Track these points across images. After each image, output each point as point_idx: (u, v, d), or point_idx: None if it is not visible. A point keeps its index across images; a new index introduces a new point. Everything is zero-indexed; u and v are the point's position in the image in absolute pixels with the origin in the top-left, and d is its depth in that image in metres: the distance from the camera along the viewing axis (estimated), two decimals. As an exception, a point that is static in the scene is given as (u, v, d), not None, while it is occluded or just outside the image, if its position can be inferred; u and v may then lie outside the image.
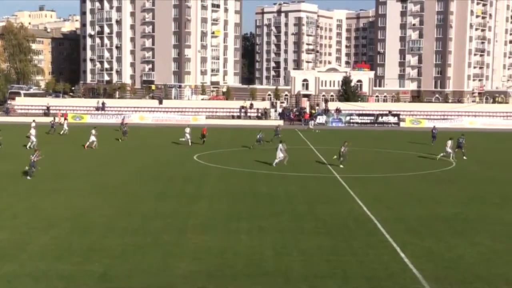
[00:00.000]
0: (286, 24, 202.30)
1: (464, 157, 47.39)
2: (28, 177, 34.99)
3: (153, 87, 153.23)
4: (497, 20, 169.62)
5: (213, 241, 22.21)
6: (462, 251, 21.24)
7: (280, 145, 42.96)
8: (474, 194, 32.60)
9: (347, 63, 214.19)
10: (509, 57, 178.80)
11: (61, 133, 64.62)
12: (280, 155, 42.37)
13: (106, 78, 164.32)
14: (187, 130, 55.55)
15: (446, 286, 17.69)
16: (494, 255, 20.89)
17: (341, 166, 41.35)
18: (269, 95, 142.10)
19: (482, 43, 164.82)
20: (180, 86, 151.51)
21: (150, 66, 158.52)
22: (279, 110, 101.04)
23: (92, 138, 51.99)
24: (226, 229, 24.03)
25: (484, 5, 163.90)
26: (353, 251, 21.18)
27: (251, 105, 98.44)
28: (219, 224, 24.83)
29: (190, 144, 54.41)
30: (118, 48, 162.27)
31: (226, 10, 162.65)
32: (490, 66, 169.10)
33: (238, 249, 21.17)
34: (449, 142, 46.62)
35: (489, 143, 64.56)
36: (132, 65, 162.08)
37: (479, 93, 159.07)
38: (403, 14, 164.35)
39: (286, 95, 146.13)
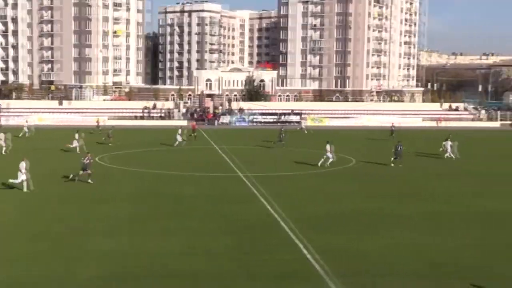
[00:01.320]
0: (189, 24, 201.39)
1: (400, 165, 43.34)
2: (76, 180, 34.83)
3: (53, 87, 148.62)
4: (392, 22, 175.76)
5: (118, 244, 21.80)
6: (364, 246, 21.84)
7: (328, 146, 43.16)
8: (374, 190, 33.62)
9: (251, 63, 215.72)
10: (404, 57, 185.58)
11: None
12: (329, 155, 42.64)
13: (2, 78, 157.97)
14: (179, 131, 56.04)
15: (349, 281, 18.12)
16: (395, 248, 21.60)
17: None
18: (172, 95, 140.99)
19: (379, 43, 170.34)
20: (81, 87, 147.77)
21: (50, 66, 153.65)
22: (183, 110, 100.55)
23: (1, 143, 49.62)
24: (131, 232, 23.65)
25: (380, 7, 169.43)
26: (258, 249, 21.35)
27: (154, 105, 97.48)
28: (123, 227, 24.41)
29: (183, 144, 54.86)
30: (14, 47, 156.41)
31: (128, 9, 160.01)
32: (387, 66, 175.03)
33: (143, 251, 20.88)
34: (328, 146, 42.86)
35: (387, 141, 66.67)
36: (30, 64, 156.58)
37: (377, 92, 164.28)
38: (305, 14, 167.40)
39: (189, 95, 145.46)
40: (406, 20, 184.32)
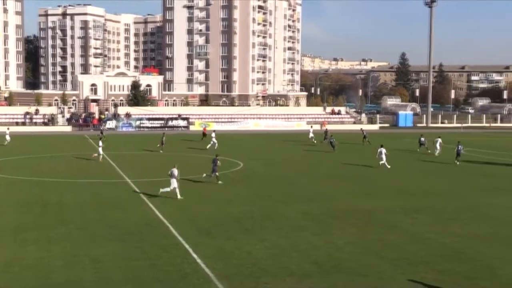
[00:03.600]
0: (72, 28, 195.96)
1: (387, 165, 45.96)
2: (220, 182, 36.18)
3: None
4: (276, 28, 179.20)
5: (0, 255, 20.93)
6: (250, 248, 22.18)
7: (382, 150, 45.50)
8: (261, 193, 34.17)
9: (136, 67, 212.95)
10: (288, 63, 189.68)
11: None
12: (383, 157, 45.13)
13: None
14: (213, 134, 60.53)
15: (236, 283, 18.35)
16: (279, 249, 22.09)
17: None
18: (56, 100, 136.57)
19: (264, 49, 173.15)
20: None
21: None
22: (67, 115, 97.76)
23: None
24: (13, 241, 22.78)
25: (264, 13, 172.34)
26: (146, 255, 21.17)
27: (37, 110, 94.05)
28: (5, 237, 23.46)
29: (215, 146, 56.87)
30: None
31: (5, 10, 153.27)
32: (271, 71, 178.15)
33: (26, 262, 20.16)
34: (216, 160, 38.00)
35: (272, 144, 67.93)
36: None
37: (262, 96, 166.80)
38: (190, 19, 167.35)
39: (74, 100, 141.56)
40: (289, 26, 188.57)
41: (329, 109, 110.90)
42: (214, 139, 59.38)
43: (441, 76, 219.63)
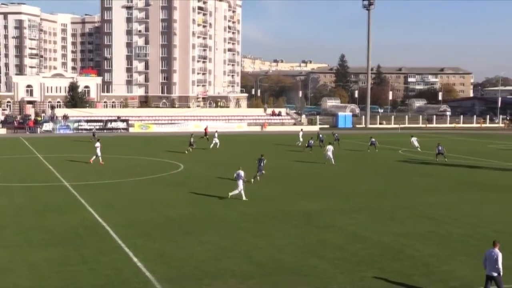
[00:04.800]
0: (6, 27, 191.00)
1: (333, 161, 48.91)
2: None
3: None
4: (216, 29, 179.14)
5: None
6: (191, 250, 22.09)
7: (414, 139, 55.65)
8: (202, 194, 34.06)
9: (74, 68, 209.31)
10: (228, 64, 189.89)
11: None
12: (416, 144, 53.71)
13: None
14: (216, 135, 64.04)
15: (178, 286, 18.23)
16: (220, 251, 22.08)
17: None
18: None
19: (204, 50, 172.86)
20: None
21: None
22: (1, 117, 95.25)
23: None
24: None
25: (204, 14, 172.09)
26: (85, 259, 20.81)
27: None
28: None
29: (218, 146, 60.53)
30: None
31: None
32: (212, 73, 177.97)
33: (-41, 269, 19.53)
34: None
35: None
36: None
37: (203, 98, 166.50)
38: (129, 20, 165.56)
39: (8, 102, 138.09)
40: (229, 27, 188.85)
41: (269, 110, 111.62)
42: (216, 139, 62.83)
43: (379, 77, 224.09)
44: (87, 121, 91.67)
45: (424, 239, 24.28)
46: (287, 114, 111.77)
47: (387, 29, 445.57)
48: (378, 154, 58.41)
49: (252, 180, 37.96)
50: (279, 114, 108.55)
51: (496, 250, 16.81)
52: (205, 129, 73.81)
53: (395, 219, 27.99)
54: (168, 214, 28.56)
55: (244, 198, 32.01)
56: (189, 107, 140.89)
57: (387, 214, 29.17)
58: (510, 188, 38.59)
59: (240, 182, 32.09)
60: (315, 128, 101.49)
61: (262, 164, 39.02)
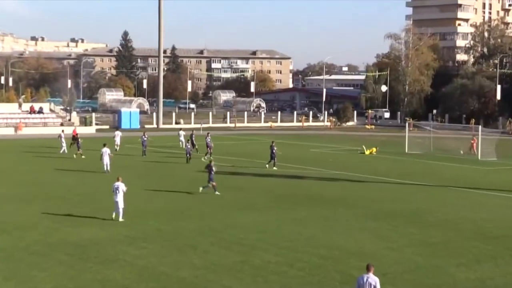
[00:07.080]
0: None
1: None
2: None
3: None
4: None
5: None
6: None
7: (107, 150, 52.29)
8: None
9: None
10: None
11: None
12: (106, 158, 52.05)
13: None
14: (182, 133, 73.70)
15: None
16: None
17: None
18: None
19: None
20: None
21: None
22: None
23: None
24: None
25: None
26: None
27: None
28: None
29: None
30: None
31: None
32: None
33: None
34: None
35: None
36: None
37: None
38: None
39: None
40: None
41: (26, 106, 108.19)
42: (182, 138, 71.90)
43: (174, 62, 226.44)
44: None
45: (233, 271, 24.88)
46: (52, 111, 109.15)
47: (184, 1, 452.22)
48: (175, 165, 59.11)
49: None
50: (40, 111, 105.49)
51: (372, 275, 17.38)
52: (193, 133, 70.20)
53: (197, 247, 28.39)
54: None
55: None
56: None
57: (187, 241, 29.52)
58: (336, 201, 40.94)
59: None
60: (90, 129, 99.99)
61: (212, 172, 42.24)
